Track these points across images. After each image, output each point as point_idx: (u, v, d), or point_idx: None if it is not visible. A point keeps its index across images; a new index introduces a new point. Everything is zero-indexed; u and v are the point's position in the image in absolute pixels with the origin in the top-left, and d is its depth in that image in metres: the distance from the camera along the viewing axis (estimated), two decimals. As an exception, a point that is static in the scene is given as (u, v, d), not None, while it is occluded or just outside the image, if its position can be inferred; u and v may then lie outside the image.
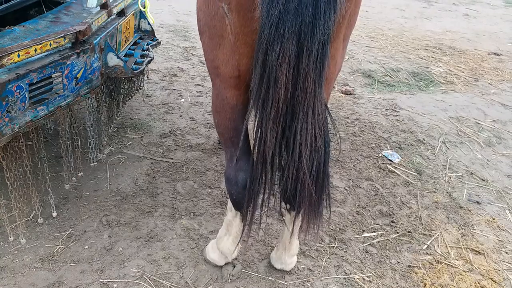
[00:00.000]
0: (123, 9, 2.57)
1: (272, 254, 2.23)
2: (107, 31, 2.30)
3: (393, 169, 3.20)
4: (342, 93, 4.49)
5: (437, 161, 3.38)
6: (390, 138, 3.62)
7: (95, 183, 2.68)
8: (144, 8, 2.85)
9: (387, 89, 4.68)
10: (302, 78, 1.34)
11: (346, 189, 2.93)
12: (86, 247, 2.23)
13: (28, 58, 1.73)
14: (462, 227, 2.69)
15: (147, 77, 3.51)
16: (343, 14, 1.37)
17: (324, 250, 2.40)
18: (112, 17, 2.46)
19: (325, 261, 2.33)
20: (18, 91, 1.70)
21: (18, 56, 1.66)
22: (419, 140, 3.65)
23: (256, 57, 1.36)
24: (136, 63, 2.59)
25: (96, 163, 2.61)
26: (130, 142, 3.13)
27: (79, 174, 2.44)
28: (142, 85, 3.34)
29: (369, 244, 2.49)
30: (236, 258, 2.23)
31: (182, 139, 3.24)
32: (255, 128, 1.49)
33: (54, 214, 2.30)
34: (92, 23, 2.10)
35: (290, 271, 2.22)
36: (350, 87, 4.62)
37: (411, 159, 3.35)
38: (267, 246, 2.38)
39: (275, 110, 1.40)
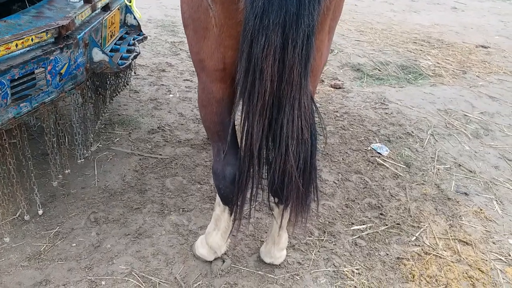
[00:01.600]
0: (108, 3, 2.53)
1: (262, 248, 2.22)
2: (92, 25, 2.27)
3: (382, 162, 3.21)
4: (332, 87, 4.49)
5: (425, 153, 3.40)
6: (379, 131, 3.63)
7: (83, 180, 2.65)
8: (130, 2, 2.82)
9: (376, 82, 4.69)
10: (288, 70, 1.32)
11: (335, 183, 2.94)
12: (74, 244, 2.21)
13: (9, 53, 1.69)
14: (450, 218, 2.71)
15: (135, 73, 3.47)
16: (327, 5, 1.36)
17: (313, 244, 2.40)
18: (97, 11, 2.42)
19: (315, 254, 2.33)
20: (-1, 87, 1.66)
21: (-1, 51, 1.63)
22: (407, 132, 3.66)
23: (241, 50, 1.35)
24: (122, 58, 2.55)
25: (83, 160, 2.58)
26: (118, 139, 3.09)
27: (66, 171, 2.41)
28: (129, 80, 3.30)
29: (358, 236, 2.49)
30: (225, 253, 2.23)
31: (170, 134, 3.21)
32: (242, 122, 1.48)
33: (40, 212, 2.27)
34: (75, 17, 2.07)
35: (279, 265, 2.22)
36: (339, 81, 4.63)
37: (399, 152, 3.37)
38: (256, 241, 2.37)
39: (261, 103, 1.39)
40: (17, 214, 2.29)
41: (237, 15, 1.33)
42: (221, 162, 1.75)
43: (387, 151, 3.37)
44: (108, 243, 2.24)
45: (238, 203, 1.74)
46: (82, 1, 2.25)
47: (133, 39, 2.84)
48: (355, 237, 2.49)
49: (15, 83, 1.76)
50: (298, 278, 2.18)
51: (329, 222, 2.58)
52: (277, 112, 1.43)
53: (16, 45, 1.70)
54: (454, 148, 3.48)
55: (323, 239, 2.44)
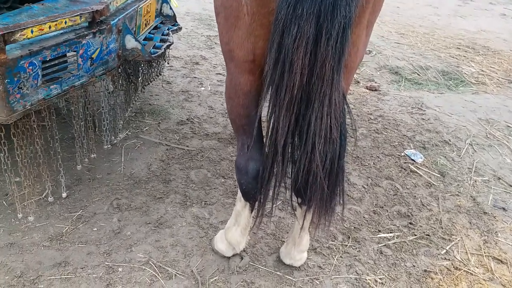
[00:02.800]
0: (145, -9, 2.53)
1: (282, 249, 2.16)
2: (126, 13, 2.27)
3: (415, 169, 3.07)
4: (367, 88, 4.35)
5: (462, 163, 3.23)
6: (414, 137, 3.48)
7: (109, 166, 2.67)
8: (167, -8, 2.81)
9: (414, 87, 4.52)
10: (320, 64, 1.25)
11: (364, 187, 2.83)
12: (95, 229, 2.22)
13: (42, 35, 1.70)
14: (485, 234, 2.55)
15: (168, 63, 3.47)
16: (367, -3, 1.28)
17: (336, 248, 2.32)
18: (133, -1, 2.42)
19: (337, 259, 2.25)
20: (30, 67, 1.67)
21: (32, 32, 1.64)
22: (444, 140, 3.49)
23: (272, 40, 1.28)
24: (154, 47, 2.55)
25: (110, 146, 2.60)
26: (147, 128, 3.10)
27: (92, 155, 2.42)
28: (162, 70, 3.31)
29: (384, 245, 2.39)
30: (244, 250, 2.18)
31: (199, 127, 3.19)
32: (268, 115, 1.42)
33: (65, 195, 2.29)
34: (110, 3, 2.07)
35: (299, 267, 2.15)
36: (375, 83, 4.48)
37: (435, 160, 3.21)
38: (277, 240, 2.31)
39: (289, 97, 1.32)
40: (43, 195, 2.32)
41: (270, 3, 1.27)
42: (244, 156, 1.70)
43: (421, 158, 3.22)
44: (129, 230, 2.23)
45: (260, 199, 1.69)
46: (118, -13, 2.25)
47: (168, 29, 2.83)
48: (381, 245, 2.38)
49: (46, 65, 1.77)
50: (318, 282, 2.11)
51: (354, 227, 2.48)
52: (305, 108, 1.36)
53: (50, 27, 1.71)
54: (494, 160, 3.29)
55: (347, 245, 2.35)
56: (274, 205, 1.72)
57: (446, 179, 3.02)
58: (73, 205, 2.33)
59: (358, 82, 4.48)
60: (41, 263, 1.99)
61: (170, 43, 2.65)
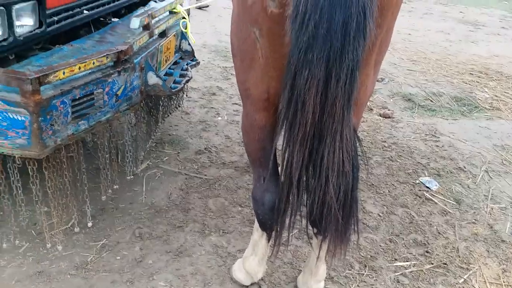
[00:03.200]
0: (165, 30, 2.68)
1: (299, 278, 2.20)
2: (148, 51, 2.41)
3: (430, 197, 3.09)
4: (381, 116, 4.42)
5: (478, 190, 3.23)
6: (429, 165, 3.51)
7: (131, 196, 2.77)
8: (185, 29, 2.97)
9: (427, 113, 4.56)
10: (330, 103, 1.34)
11: (379, 215, 2.86)
12: (118, 257, 2.30)
13: (72, 75, 1.84)
14: (503, 262, 2.55)
15: (187, 95, 3.62)
16: (373, 40, 1.37)
17: (353, 277, 2.34)
18: (154, 37, 2.57)
19: (354, 288, 2.27)
20: (62, 106, 1.81)
21: (63, 73, 1.77)
22: (459, 167, 3.51)
23: (285, 81, 1.38)
24: (174, 82, 2.68)
25: (132, 176, 2.71)
26: (167, 157, 3.22)
27: (115, 186, 2.53)
28: (181, 102, 3.45)
29: (401, 273, 2.40)
30: (262, 279, 2.23)
31: (216, 156, 3.29)
32: (282, 150, 1.50)
33: (90, 224, 2.39)
34: (133, 43, 2.21)
35: (316, 296, 2.18)
36: (389, 110, 4.54)
37: (450, 187, 3.23)
38: (294, 269, 2.35)
39: (302, 133, 1.40)
40: (69, 224, 2.42)
41: (283, 48, 1.37)
42: (261, 188, 1.78)
43: (436, 185, 3.24)
44: (150, 259, 2.31)
45: (277, 230, 1.75)
46: (141, 28, 2.40)
47: (187, 64, 2.97)
48: (398, 274, 2.40)
49: (76, 103, 1.90)
50: (335, 311, 2.13)
51: (371, 256, 2.51)
52: (318, 143, 1.44)
53: (79, 68, 1.85)
54: (510, 187, 3.29)
55: (363, 274, 2.37)
56: (291, 234, 1.78)
57: (462, 207, 3.03)
58: (97, 234, 2.43)
59: (372, 109, 4.55)
60: (67, 291, 2.07)
61: (189, 78, 2.79)
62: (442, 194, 3.15)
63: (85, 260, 2.25)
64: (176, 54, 3.05)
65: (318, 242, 1.83)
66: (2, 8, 1.85)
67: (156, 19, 2.61)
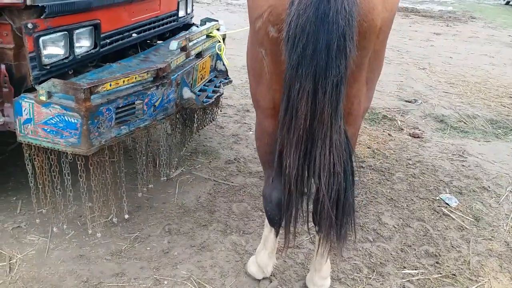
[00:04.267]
0: (201, 51, 3.04)
1: (307, 276, 2.40)
2: (185, 69, 2.77)
3: (448, 213, 3.18)
4: (410, 135, 4.52)
5: (500, 209, 3.27)
6: (451, 183, 3.59)
7: (165, 197, 3.10)
8: (220, 51, 3.32)
9: (459, 135, 4.61)
10: (319, 111, 1.59)
11: (394, 227, 3.00)
12: (148, 248, 2.61)
13: (117, 87, 2.21)
14: (514, 278, 2.60)
15: (221, 111, 3.95)
16: (360, 60, 1.61)
17: (360, 280, 2.50)
18: (191, 58, 2.93)
19: (359, 290, 2.43)
20: (107, 112, 2.17)
21: (110, 85, 2.14)
22: (483, 187, 3.56)
23: (283, 92, 1.65)
24: (207, 97, 3.02)
25: (165, 178, 3.04)
26: (199, 165, 3.54)
27: (150, 186, 2.87)
28: (215, 117, 3.78)
29: (408, 280, 2.53)
30: (274, 276, 2.45)
31: (244, 166, 3.58)
32: (282, 153, 1.76)
33: (126, 217, 2.72)
34: (171, 62, 2.57)
35: (323, 294, 2.36)
36: (419, 130, 4.64)
37: (470, 205, 3.29)
38: (305, 269, 2.55)
39: (296, 137, 1.66)
40: (109, 218, 2.77)
41: (282, 65, 1.64)
42: (269, 187, 2.03)
43: (456, 202, 3.32)
44: (176, 251, 2.60)
45: (282, 224, 1.98)
46: (179, 49, 2.76)
47: (220, 82, 3.31)
48: (405, 280, 2.53)
49: (119, 110, 2.26)
50: (339, 308, 2.30)
51: (380, 262, 2.65)
52: (311, 146, 1.68)
53: (123, 81, 2.21)
54: (534, 208, 3.29)
55: (371, 277, 2.53)
56: (307, 238, 1.99)
57: (480, 224, 3.09)
58: (132, 227, 2.77)
59: (402, 129, 4.66)
60: (103, 272, 2.40)
61: (220, 94, 3.12)
62: (461, 210, 3.22)
63: (120, 248, 2.58)
64: (211, 73, 3.41)
65: (318, 238, 2.04)
66: (66, 32, 2.27)
67: (194, 41, 2.97)
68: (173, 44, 2.66)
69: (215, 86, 3.24)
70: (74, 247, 2.57)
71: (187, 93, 2.78)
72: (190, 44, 2.91)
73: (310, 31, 1.46)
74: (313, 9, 1.45)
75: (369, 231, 2.92)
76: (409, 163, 3.89)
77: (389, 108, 5.19)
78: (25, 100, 2.08)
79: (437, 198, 3.37)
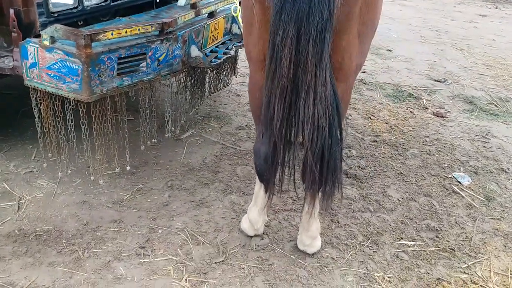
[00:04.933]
0: (213, 12, 3.03)
1: (298, 237, 2.40)
2: (193, 27, 2.77)
3: (459, 190, 3.07)
4: (433, 114, 4.36)
5: (515, 192, 3.13)
6: (468, 162, 3.45)
7: (172, 155, 3.17)
8: (236, 14, 3.29)
9: (488, 117, 4.39)
10: (303, 60, 1.56)
11: (399, 200, 2.93)
12: (149, 200, 2.69)
13: (119, 37, 2.25)
14: (518, 258, 2.50)
15: (236, 76, 3.96)
16: (347, 10, 1.56)
17: (353, 246, 2.48)
18: (202, 16, 2.93)
19: (351, 255, 2.41)
20: (108, 61, 2.23)
21: (112, 34, 2.19)
22: (501, 168, 3.40)
23: (269, 41, 1.63)
24: (216, 57, 3.02)
25: (169, 134, 3.10)
26: (210, 129, 3.58)
27: (153, 140, 2.94)
28: (229, 82, 3.79)
29: (403, 251, 2.48)
30: (266, 234, 2.47)
31: (254, 133, 3.58)
32: (266, 102, 1.74)
33: (128, 168, 2.80)
34: (178, 18, 2.58)
35: (313, 255, 2.36)
36: (443, 109, 4.47)
37: (484, 185, 3.16)
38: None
39: (281, 87, 1.64)
40: (115, 170, 2.86)
41: (269, 13, 1.62)
42: (259, 142, 2.03)
43: (468, 181, 3.20)
44: (175, 205, 2.67)
45: (269, 179, 1.99)
46: (188, 6, 2.77)
47: (233, 45, 3.30)
48: (399, 250, 2.48)
49: (121, 61, 2.31)
50: (327, 270, 2.30)
51: (377, 232, 2.62)
52: (296, 97, 1.66)
53: (126, 32, 2.25)
54: (553, 192, 3.12)
55: (364, 245, 2.50)
56: (281, 184, 1.99)
57: (491, 204, 2.97)
58: (136, 180, 2.86)
59: (426, 108, 4.50)
60: (102, 218, 2.51)
61: (230, 56, 3.11)
62: (472, 189, 3.10)
63: (122, 198, 2.68)
64: (226, 36, 3.39)
65: (304, 195, 2.03)
66: (74, -18, 2.33)
67: (205, 0, 2.97)
68: (182, 1, 2.66)
69: (226, 49, 3.22)
70: (79, 194, 2.69)
71: (194, 51, 2.79)
72: (201, 2, 2.91)
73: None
74: None
75: (371, 202, 2.88)
76: (426, 141, 3.76)
77: (415, 87, 5.00)
78: (31, 44, 2.16)
79: (450, 176, 3.25)
